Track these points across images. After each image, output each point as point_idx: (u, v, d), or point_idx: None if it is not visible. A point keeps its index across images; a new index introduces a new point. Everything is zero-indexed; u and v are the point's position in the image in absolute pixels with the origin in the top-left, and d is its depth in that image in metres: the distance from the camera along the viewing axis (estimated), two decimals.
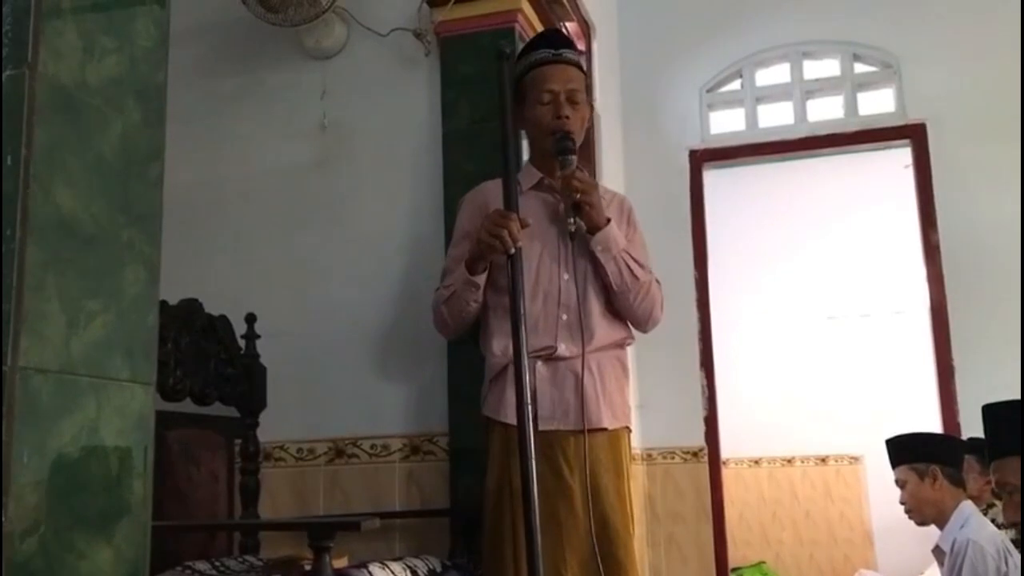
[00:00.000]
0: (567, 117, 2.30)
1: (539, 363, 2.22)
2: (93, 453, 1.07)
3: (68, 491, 1.04)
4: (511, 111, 2.40)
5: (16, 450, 0.97)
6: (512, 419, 2.16)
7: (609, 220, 2.29)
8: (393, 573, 2.14)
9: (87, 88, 1.11)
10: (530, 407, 2.04)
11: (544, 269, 2.27)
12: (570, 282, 2.27)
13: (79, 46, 1.10)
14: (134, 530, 1.12)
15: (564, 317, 2.25)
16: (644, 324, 2.37)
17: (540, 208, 2.33)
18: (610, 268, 2.27)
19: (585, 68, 2.45)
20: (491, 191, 2.35)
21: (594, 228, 2.26)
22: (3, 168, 1.00)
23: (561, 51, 2.36)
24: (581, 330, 2.23)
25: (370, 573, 2.06)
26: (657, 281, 2.37)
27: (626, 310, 2.33)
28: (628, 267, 2.28)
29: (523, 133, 2.49)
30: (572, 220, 2.24)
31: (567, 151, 2.27)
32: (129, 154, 1.16)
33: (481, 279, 2.27)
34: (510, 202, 2.18)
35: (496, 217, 2.17)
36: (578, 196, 2.22)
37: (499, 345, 2.26)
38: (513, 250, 2.13)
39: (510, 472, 2.16)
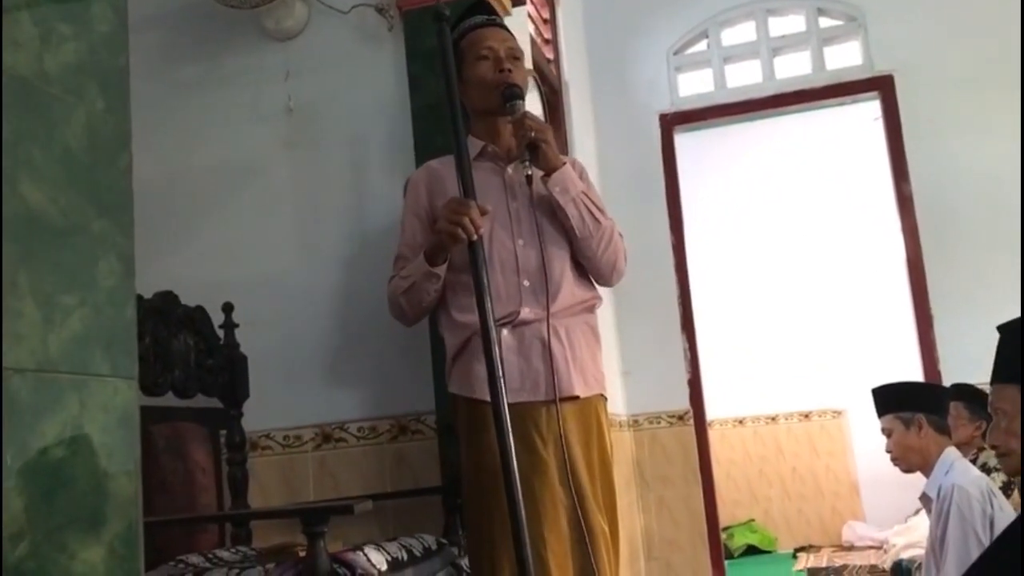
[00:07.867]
0: (509, 70, 2.24)
1: (504, 331, 2.13)
2: (79, 451, 1.04)
3: (56, 491, 1.01)
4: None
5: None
6: (479, 394, 2.09)
7: (565, 162, 2.23)
8: (389, 554, 2.13)
9: (47, 77, 1.07)
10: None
11: (496, 238, 2.19)
12: (526, 247, 2.20)
13: (35, 34, 1.06)
14: (126, 527, 1.10)
15: (526, 283, 2.18)
16: (609, 275, 2.30)
17: (485, 177, 2.24)
18: (570, 211, 2.20)
19: (548, 37, 2.42)
20: (436, 171, 2.29)
21: (550, 169, 2.20)
22: None
23: (494, 17, 2.36)
24: (544, 292, 2.15)
25: (366, 555, 2.05)
26: (619, 234, 2.30)
27: (590, 260, 2.25)
28: (588, 210, 2.21)
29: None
30: (527, 163, 2.18)
31: (515, 96, 2.20)
32: (95, 143, 1.12)
33: (442, 269, 2.18)
34: (466, 185, 2.09)
35: (454, 205, 2.07)
36: (532, 134, 2.16)
37: (460, 319, 2.18)
38: (476, 237, 2.05)
39: (482, 450, 2.08)
